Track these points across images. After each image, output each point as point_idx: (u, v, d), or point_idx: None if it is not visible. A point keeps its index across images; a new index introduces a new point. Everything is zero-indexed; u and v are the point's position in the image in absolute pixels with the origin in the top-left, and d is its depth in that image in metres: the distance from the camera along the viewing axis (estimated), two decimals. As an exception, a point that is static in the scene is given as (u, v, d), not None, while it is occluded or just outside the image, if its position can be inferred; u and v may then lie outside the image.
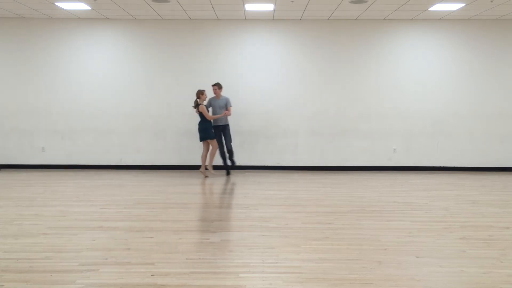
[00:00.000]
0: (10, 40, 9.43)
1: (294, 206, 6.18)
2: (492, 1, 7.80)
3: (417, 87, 9.49)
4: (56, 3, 8.12)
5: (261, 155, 9.54)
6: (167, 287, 3.35)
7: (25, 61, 9.44)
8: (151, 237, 4.61)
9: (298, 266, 3.80)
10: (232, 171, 8.98)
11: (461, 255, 4.13)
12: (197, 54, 9.45)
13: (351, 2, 7.88)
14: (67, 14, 9.00)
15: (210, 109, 8.73)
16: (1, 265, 3.78)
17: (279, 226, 5.09)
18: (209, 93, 8.73)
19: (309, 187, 7.74)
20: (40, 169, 9.49)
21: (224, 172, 8.93)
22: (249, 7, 8.29)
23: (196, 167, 9.38)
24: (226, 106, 8.63)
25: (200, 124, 8.54)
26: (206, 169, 8.68)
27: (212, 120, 8.58)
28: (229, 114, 8.63)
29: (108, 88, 9.50)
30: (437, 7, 8.28)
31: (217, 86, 8.67)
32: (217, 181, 8.29)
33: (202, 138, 8.55)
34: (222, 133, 8.70)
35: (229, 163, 8.82)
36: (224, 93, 8.83)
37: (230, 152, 8.75)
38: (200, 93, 8.47)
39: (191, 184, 7.94)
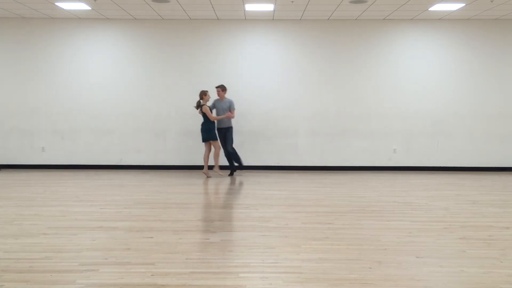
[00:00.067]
0: (10, 40, 9.44)
1: (294, 206, 6.18)
2: (492, 1, 7.80)
3: (417, 87, 9.49)
4: (56, 3, 8.12)
5: (261, 155, 9.55)
6: (167, 287, 3.35)
7: (25, 61, 9.45)
8: (151, 237, 4.61)
9: (298, 266, 3.80)
10: (236, 172, 8.92)
11: (461, 255, 4.13)
12: (197, 54, 9.45)
13: (351, 2, 7.88)
14: (67, 14, 9.00)
15: (214, 111, 8.69)
16: (1, 265, 3.77)
17: (279, 226, 5.09)
18: (213, 95, 8.67)
19: (309, 187, 7.74)
20: (40, 169, 9.49)
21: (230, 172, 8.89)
22: (249, 7, 8.29)
23: (196, 167, 9.39)
24: (230, 109, 8.56)
25: (203, 125, 8.50)
26: (210, 169, 8.65)
27: (215, 122, 8.55)
28: (232, 117, 8.57)
29: (108, 88, 9.51)
30: (437, 7, 8.28)
31: (221, 88, 8.60)
32: (217, 181, 8.29)
33: (204, 139, 8.51)
34: (224, 135, 8.63)
35: (235, 164, 8.77)
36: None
37: (229, 155, 8.67)
38: (203, 94, 8.45)
39: (191, 184, 7.94)
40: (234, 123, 8.89)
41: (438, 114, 9.52)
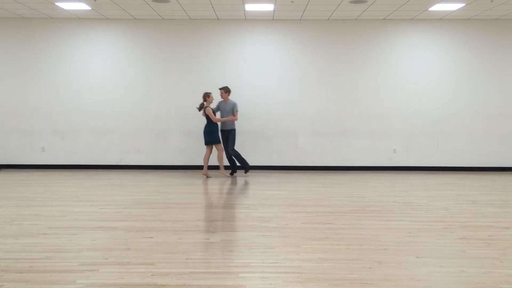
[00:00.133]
0: (10, 40, 9.44)
1: (294, 206, 6.18)
2: (492, 1, 7.80)
3: (417, 87, 9.49)
4: (56, 3, 8.12)
5: (261, 155, 9.54)
6: (167, 287, 3.35)
7: (25, 61, 9.45)
8: (151, 237, 4.61)
9: (298, 266, 3.80)
10: (236, 172, 8.90)
11: (461, 255, 4.13)
12: (197, 54, 9.45)
13: (351, 2, 7.88)
14: (67, 14, 9.00)
15: (218, 113, 8.67)
16: (1, 265, 3.78)
17: (279, 226, 5.09)
18: (217, 97, 8.65)
19: (309, 187, 7.74)
20: (40, 169, 9.49)
21: (238, 172, 8.85)
22: (249, 7, 8.29)
23: (196, 167, 9.39)
24: (232, 111, 8.50)
25: (206, 127, 8.45)
26: (209, 169, 8.62)
27: (219, 124, 8.51)
28: (234, 120, 8.47)
29: (108, 88, 9.51)
30: (437, 7, 8.28)
31: (224, 90, 8.52)
32: (217, 181, 8.29)
33: (207, 142, 8.45)
34: (226, 137, 8.54)
35: (238, 164, 8.69)
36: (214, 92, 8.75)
37: (230, 157, 8.61)
38: (206, 96, 8.42)
39: (191, 184, 7.94)
40: (235, 123, 8.84)
41: (438, 114, 9.52)
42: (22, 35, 9.42)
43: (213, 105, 8.62)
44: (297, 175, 8.95)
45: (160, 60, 9.48)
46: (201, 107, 8.44)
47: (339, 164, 9.62)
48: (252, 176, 8.69)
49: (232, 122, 8.55)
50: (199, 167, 9.20)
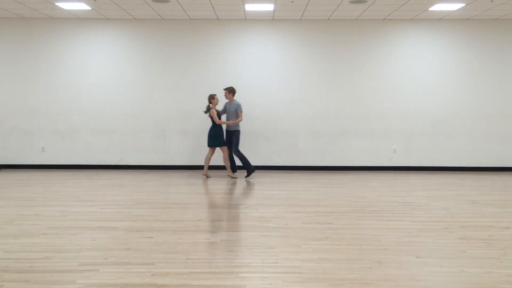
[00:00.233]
0: (10, 40, 9.44)
1: (294, 206, 6.18)
2: (492, 1, 7.80)
3: (417, 87, 9.49)
4: (56, 3, 8.12)
5: (261, 155, 9.54)
6: (167, 287, 3.35)
7: (25, 61, 9.45)
8: (151, 237, 4.61)
9: (298, 266, 3.80)
10: (236, 172, 8.88)
11: (461, 255, 4.13)
12: (197, 54, 9.45)
13: (351, 2, 7.88)
14: (67, 14, 9.00)
15: (225, 114, 8.64)
16: (1, 265, 3.78)
17: (279, 226, 5.09)
18: (222, 97, 8.63)
19: (309, 187, 7.74)
20: (40, 169, 9.49)
21: (241, 172, 8.76)
22: (249, 7, 8.29)
23: (196, 167, 9.39)
24: (236, 112, 8.43)
25: (210, 129, 8.41)
26: (227, 171, 8.58)
27: (223, 126, 8.46)
28: (234, 123, 8.37)
29: (108, 88, 9.51)
30: (437, 7, 8.28)
31: (227, 90, 8.46)
32: (217, 181, 8.29)
33: (210, 144, 8.40)
34: (230, 138, 8.47)
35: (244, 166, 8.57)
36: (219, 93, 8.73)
37: (233, 160, 8.56)
38: (211, 98, 8.39)
39: (191, 184, 7.94)
40: (239, 124, 8.75)
41: (438, 114, 9.52)
42: (22, 35, 9.41)
43: (221, 106, 8.61)
44: (297, 175, 8.95)
45: (160, 60, 9.48)
46: (207, 109, 8.41)
47: (339, 164, 9.62)
48: (253, 176, 8.68)
49: (237, 124, 8.44)
50: (199, 167, 9.21)
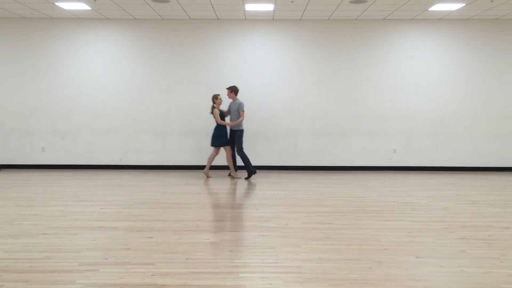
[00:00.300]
0: (10, 40, 9.44)
1: (294, 206, 6.18)
2: (492, 1, 7.80)
3: (417, 87, 9.49)
4: (56, 3, 8.12)
5: (261, 155, 9.54)
6: (167, 287, 3.35)
7: (25, 61, 9.45)
8: (151, 237, 4.61)
9: (298, 266, 3.80)
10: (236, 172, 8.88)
11: (461, 255, 4.13)
12: (197, 54, 9.45)
13: (351, 2, 7.88)
14: (67, 14, 9.00)
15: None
16: (1, 265, 3.78)
17: (279, 226, 5.09)
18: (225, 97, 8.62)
19: (309, 187, 7.74)
20: (40, 169, 9.49)
21: (241, 172, 8.76)
22: (249, 7, 8.29)
23: (196, 167, 9.40)
24: (238, 111, 8.39)
25: (215, 129, 8.40)
26: (232, 170, 8.58)
27: (227, 126, 8.45)
28: (234, 124, 8.32)
29: (108, 88, 9.51)
30: (437, 7, 8.28)
31: (229, 90, 8.45)
32: (217, 181, 8.29)
33: (213, 144, 8.39)
34: (233, 138, 8.45)
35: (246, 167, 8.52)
36: (219, 92, 8.71)
37: (234, 160, 8.55)
38: (214, 98, 8.38)
39: (191, 184, 7.94)
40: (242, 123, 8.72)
41: (438, 114, 9.52)
42: (22, 35, 9.41)
43: (225, 106, 8.60)
44: (297, 175, 8.95)
45: (160, 60, 9.47)
46: (212, 110, 8.42)
47: (339, 164, 9.62)
48: (253, 178, 8.67)
49: (239, 123, 8.40)
50: (199, 167, 9.21)
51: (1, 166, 9.55)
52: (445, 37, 9.45)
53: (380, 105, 9.52)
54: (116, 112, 9.53)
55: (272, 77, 9.49)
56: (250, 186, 7.86)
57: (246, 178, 8.47)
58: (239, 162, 8.63)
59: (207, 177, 8.55)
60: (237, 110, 8.41)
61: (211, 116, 8.48)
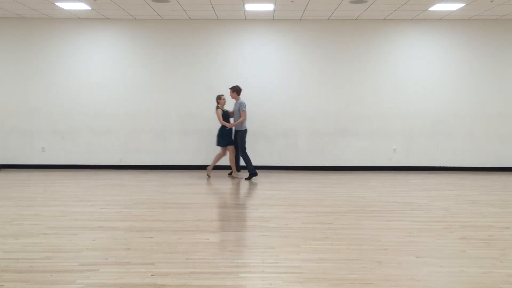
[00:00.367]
0: (10, 40, 9.43)
1: (294, 206, 6.18)
2: (492, 1, 7.80)
3: (417, 87, 9.49)
4: (56, 3, 8.12)
5: (261, 155, 9.53)
6: (167, 287, 3.35)
7: (25, 61, 9.45)
8: (151, 237, 4.61)
9: (298, 266, 3.80)
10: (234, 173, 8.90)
11: (461, 255, 4.13)
12: (197, 54, 9.45)
13: (351, 2, 7.88)
14: (67, 14, 9.00)
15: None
16: (1, 265, 3.78)
17: (279, 226, 5.09)
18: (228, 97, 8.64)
19: (309, 187, 7.74)
20: (40, 169, 9.49)
21: (244, 172, 8.73)
22: (249, 7, 8.29)
23: (196, 167, 9.40)
24: (239, 110, 8.37)
25: (219, 130, 8.41)
26: (235, 171, 8.58)
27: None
28: (233, 125, 8.32)
29: (108, 88, 9.50)
30: (437, 7, 8.28)
31: (232, 90, 8.47)
32: (218, 181, 8.29)
33: (218, 143, 8.42)
34: (235, 138, 8.44)
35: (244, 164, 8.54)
36: (222, 93, 8.71)
37: (238, 160, 8.56)
38: (217, 98, 8.40)
39: (191, 184, 7.94)
40: (245, 124, 8.71)
41: (438, 114, 9.52)
42: (22, 35, 9.41)
43: (229, 107, 8.60)
44: (297, 175, 8.95)
45: (160, 60, 9.47)
46: (216, 110, 8.45)
47: (339, 164, 9.62)
48: (253, 179, 8.66)
49: (241, 123, 8.39)
50: (199, 167, 9.21)
51: (1, 166, 9.55)
52: (445, 37, 9.45)
53: (380, 105, 9.52)
54: (116, 112, 9.53)
55: (272, 77, 9.49)
56: (250, 186, 7.86)
57: (246, 179, 8.46)
58: (242, 162, 8.63)
59: (208, 177, 8.54)
60: (238, 110, 8.40)
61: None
